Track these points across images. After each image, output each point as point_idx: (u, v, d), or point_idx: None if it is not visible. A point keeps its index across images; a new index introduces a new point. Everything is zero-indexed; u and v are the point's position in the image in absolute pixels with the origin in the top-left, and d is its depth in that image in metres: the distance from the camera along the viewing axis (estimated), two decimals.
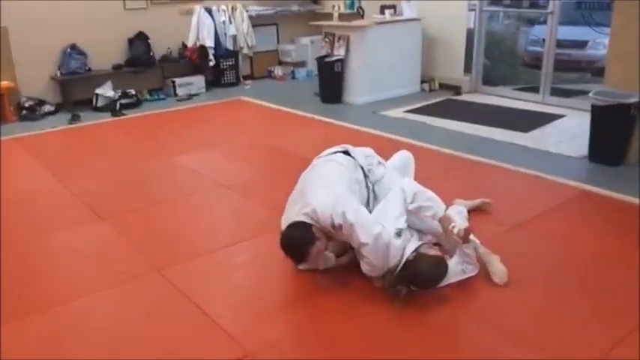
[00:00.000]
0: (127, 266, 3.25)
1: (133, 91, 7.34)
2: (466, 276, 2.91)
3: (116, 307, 2.88)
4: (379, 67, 6.95)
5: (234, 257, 3.33)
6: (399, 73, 7.15)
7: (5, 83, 6.70)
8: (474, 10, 7.18)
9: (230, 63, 8.31)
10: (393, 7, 7.49)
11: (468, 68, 7.29)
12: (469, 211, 3.47)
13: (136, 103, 7.28)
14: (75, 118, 6.69)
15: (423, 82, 7.48)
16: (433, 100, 6.92)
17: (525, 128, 5.63)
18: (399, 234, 2.78)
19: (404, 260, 2.73)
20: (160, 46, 7.78)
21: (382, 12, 7.47)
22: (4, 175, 4.92)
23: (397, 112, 6.33)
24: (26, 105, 6.86)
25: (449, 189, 4.14)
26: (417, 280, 2.74)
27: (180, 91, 7.70)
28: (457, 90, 7.22)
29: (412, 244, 2.80)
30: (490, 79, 7.43)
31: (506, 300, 2.80)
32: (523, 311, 2.71)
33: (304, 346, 2.59)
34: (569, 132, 5.45)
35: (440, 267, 2.78)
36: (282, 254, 2.88)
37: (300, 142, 5.44)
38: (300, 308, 2.83)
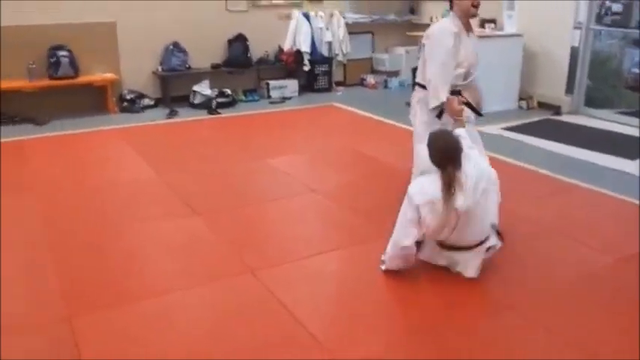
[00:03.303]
0: (220, 264, 3.29)
1: (228, 91, 7.51)
2: None
3: (207, 304, 2.91)
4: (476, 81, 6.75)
5: (327, 265, 3.29)
6: (497, 88, 6.92)
7: (110, 76, 7.03)
8: (579, 28, 6.87)
9: (324, 69, 8.35)
10: (494, 21, 7.29)
11: (569, 88, 6.97)
12: None
13: (231, 103, 7.44)
14: (173, 114, 6.91)
15: (521, 99, 7.22)
16: (532, 119, 6.66)
17: (630, 155, 5.31)
18: None
19: None
20: (257, 49, 7.92)
21: (482, 25, 7.29)
22: (104, 161, 5.14)
23: (493, 129, 6.13)
24: (128, 97, 7.16)
25: (549, 214, 3.96)
26: None
27: (273, 94, 7.81)
28: (557, 110, 6.91)
29: None
30: (591, 101, 7.08)
31: None
32: None
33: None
34: None
35: None
36: (375, 265, 2.84)
37: (389, 151, 5.37)
38: (392, 322, 2.76)
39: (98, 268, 3.23)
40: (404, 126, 6.31)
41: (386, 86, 8.73)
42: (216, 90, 7.41)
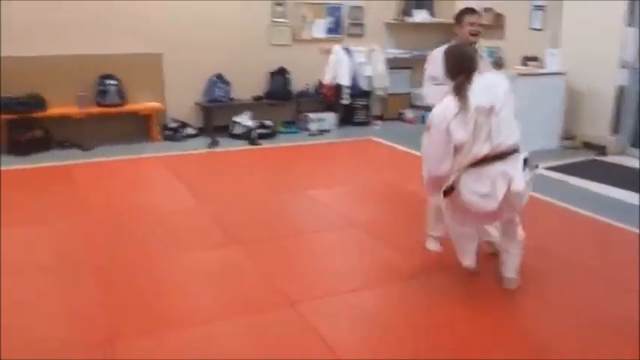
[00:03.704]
0: (260, 295, 3.28)
1: (269, 122, 7.61)
2: None
3: (246, 335, 2.89)
4: (517, 119, 6.70)
5: (368, 301, 3.25)
6: (539, 126, 6.83)
7: (155, 105, 7.21)
8: (625, 67, 6.77)
9: (363, 103, 8.40)
10: (536, 59, 7.25)
11: (615, 128, 6.85)
12: None
13: (271, 134, 7.54)
14: (214, 143, 7.03)
15: (564, 138, 7.11)
16: (575, 159, 6.54)
17: None
18: None
19: None
20: (298, 82, 8.04)
21: (524, 63, 7.26)
22: (147, 188, 5.24)
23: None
24: (171, 126, 7.33)
25: (593, 257, 3.85)
26: None
27: (312, 126, 7.88)
28: (602, 150, 6.78)
29: None
30: (638, 141, 6.92)
31: None
32: None
33: None
34: None
35: None
36: (416, 304, 2.78)
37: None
38: None
39: (139, 293, 3.26)
40: None
41: (424, 121, 8.70)
42: (256, 121, 7.52)
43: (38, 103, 6.58)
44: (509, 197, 3.01)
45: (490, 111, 2.99)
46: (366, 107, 8.48)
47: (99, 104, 6.88)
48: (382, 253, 3.93)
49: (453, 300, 3.21)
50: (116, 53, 7.01)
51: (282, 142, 7.30)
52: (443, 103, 3.10)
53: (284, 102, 7.87)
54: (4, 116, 6.39)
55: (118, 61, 7.02)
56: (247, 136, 7.28)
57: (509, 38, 7.86)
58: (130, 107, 7.04)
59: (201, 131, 7.50)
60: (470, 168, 3.03)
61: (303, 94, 8.09)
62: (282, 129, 7.86)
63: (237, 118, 7.47)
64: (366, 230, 4.30)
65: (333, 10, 8.22)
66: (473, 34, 3.87)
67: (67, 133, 6.79)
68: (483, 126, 2.99)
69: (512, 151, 3.06)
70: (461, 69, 3.10)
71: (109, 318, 2.97)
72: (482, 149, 3.01)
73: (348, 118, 8.37)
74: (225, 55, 7.59)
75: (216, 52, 7.54)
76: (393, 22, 8.62)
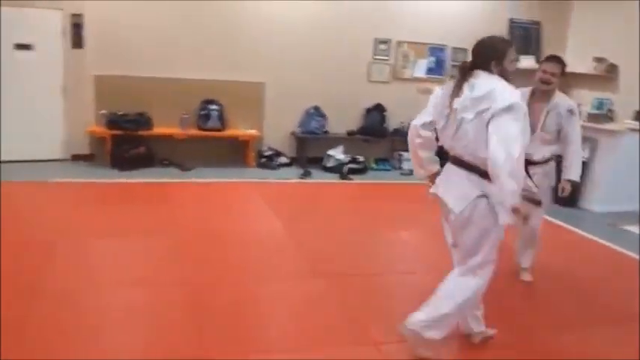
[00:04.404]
0: (343, 331, 3.20)
1: (361, 158, 7.60)
2: None
3: None
4: (625, 175, 6.33)
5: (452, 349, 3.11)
6: None
7: (253, 132, 7.39)
8: None
9: None
10: None
11: None
12: None
13: (363, 170, 7.51)
14: (306, 174, 7.09)
15: None
16: None
17: None
18: None
19: None
20: (393, 119, 8.00)
21: (637, 118, 6.86)
22: (238, 212, 5.31)
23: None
24: (266, 154, 7.47)
25: None
26: None
27: (405, 165, 7.77)
28: None
29: None
30: None
31: None
32: None
33: None
34: None
35: None
36: None
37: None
38: None
39: (227, 316, 3.27)
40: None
41: None
42: (349, 156, 7.53)
43: (145, 121, 6.92)
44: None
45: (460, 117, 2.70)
46: None
47: (200, 127, 7.13)
48: None
49: None
50: (220, 79, 7.27)
51: (373, 179, 7.26)
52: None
53: (379, 139, 7.85)
54: (113, 132, 6.75)
55: (222, 88, 7.28)
56: (339, 169, 7.30)
57: (622, 90, 7.46)
58: (229, 132, 7.26)
59: (294, 161, 7.60)
60: None
61: (398, 132, 8.02)
62: (374, 165, 7.82)
63: (331, 152, 7.52)
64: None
65: (436, 51, 8.16)
66: (543, 81, 3.73)
67: (168, 152, 7.09)
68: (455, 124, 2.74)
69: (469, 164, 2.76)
70: (474, 55, 2.78)
71: (200, 337, 3.00)
72: (450, 145, 2.87)
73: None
74: (324, 88, 7.71)
75: (315, 84, 7.67)
76: None
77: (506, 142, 2.46)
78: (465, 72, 2.74)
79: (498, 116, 2.52)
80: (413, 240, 4.88)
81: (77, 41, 6.70)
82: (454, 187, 2.80)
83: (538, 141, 3.74)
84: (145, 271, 3.85)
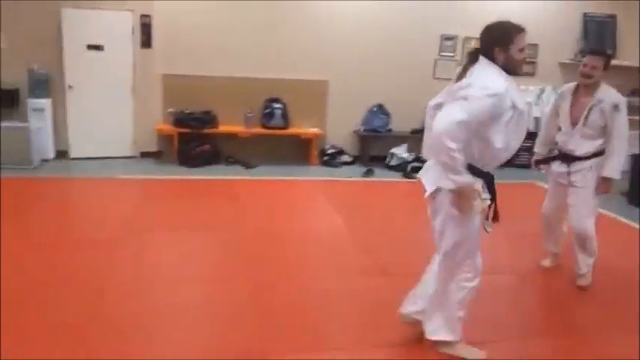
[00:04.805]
0: (408, 333, 3.10)
1: None
2: None
3: None
4: None
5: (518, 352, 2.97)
6: None
7: (316, 130, 7.38)
8: None
9: (527, 144, 7.89)
10: None
11: None
12: None
13: None
14: (369, 172, 7.01)
15: None
16: None
17: None
18: None
19: None
20: None
21: None
22: (301, 209, 5.29)
23: None
24: (329, 152, 7.44)
25: None
26: None
27: None
28: None
29: None
30: None
31: None
32: None
33: None
34: None
35: None
36: None
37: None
38: None
39: (291, 312, 3.25)
40: (616, 216, 5.72)
41: None
42: (413, 154, 7.39)
43: (210, 119, 7.03)
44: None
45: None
46: (530, 149, 7.99)
47: (264, 125, 7.18)
48: (529, 301, 3.63)
49: None
50: (284, 78, 7.30)
51: None
52: None
53: None
54: (180, 129, 6.88)
55: (286, 86, 7.31)
56: (403, 168, 7.18)
57: None
58: (292, 130, 7.27)
59: (357, 159, 7.54)
60: None
61: None
62: None
63: (394, 150, 7.42)
64: (519, 278, 4.04)
65: None
66: (583, 75, 3.61)
67: (233, 150, 7.17)
68: None
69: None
70: (482, 39, 2.60)
71: (263, 332, 2.98)
72: None
73: (510, 159, 7.93)
74: (387, 86, 7.61)
75: (379, 82, 7.58)
76: (568, 62, 8.11)
77: (441, 119, 2.41)
78: (471, 58, 2.62)
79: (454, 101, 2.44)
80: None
81: (146, 41, 6.88)
82: (430, 172, 2.72)
83: (578, 136, 3.64)
84: (206, 267, 3.88)
